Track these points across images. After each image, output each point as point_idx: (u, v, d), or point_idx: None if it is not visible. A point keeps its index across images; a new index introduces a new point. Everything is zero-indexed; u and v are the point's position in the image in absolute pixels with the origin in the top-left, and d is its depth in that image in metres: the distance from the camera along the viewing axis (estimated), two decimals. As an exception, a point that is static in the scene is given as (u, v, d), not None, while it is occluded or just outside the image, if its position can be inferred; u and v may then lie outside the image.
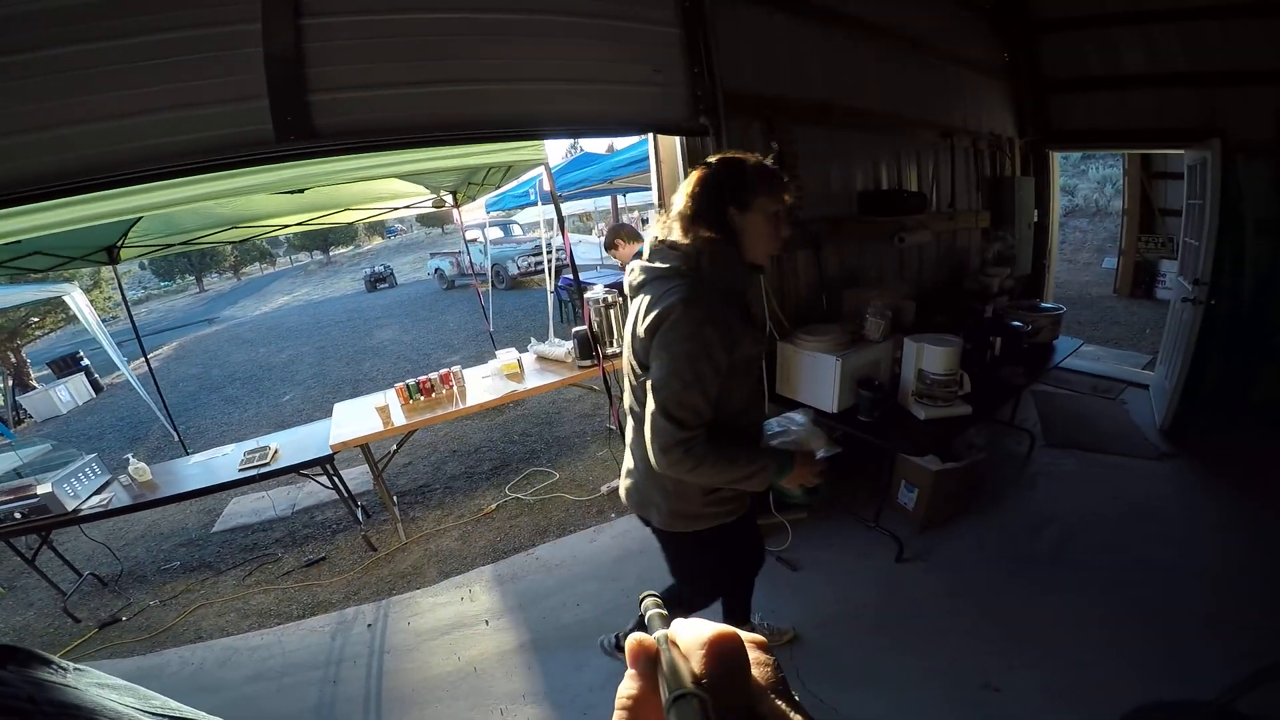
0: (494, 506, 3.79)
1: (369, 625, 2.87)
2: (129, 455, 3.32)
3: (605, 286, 4.14)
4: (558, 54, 1.96)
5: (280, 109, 1.57)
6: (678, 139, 2.34)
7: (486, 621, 2.77)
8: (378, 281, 18.29)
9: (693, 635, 0.36)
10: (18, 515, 2.95)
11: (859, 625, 2.44)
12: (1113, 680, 2.00)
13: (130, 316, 5.38)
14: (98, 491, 3.24)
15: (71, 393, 9.76)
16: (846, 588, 2.65)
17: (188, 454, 4.78)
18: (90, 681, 0.42)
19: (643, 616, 0.44)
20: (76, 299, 6.27)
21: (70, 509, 3.03)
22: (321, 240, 30.68)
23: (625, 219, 18.37)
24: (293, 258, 35.23)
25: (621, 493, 1.74)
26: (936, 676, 2.15)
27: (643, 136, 2.59)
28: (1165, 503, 3.00)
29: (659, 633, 0.39)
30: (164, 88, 1.51)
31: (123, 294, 5.63)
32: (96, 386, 10.42)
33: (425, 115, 1.77)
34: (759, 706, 0.34)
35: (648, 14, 2.13)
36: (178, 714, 0.46)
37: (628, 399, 1.59)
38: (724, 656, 0.35)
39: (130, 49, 1.48)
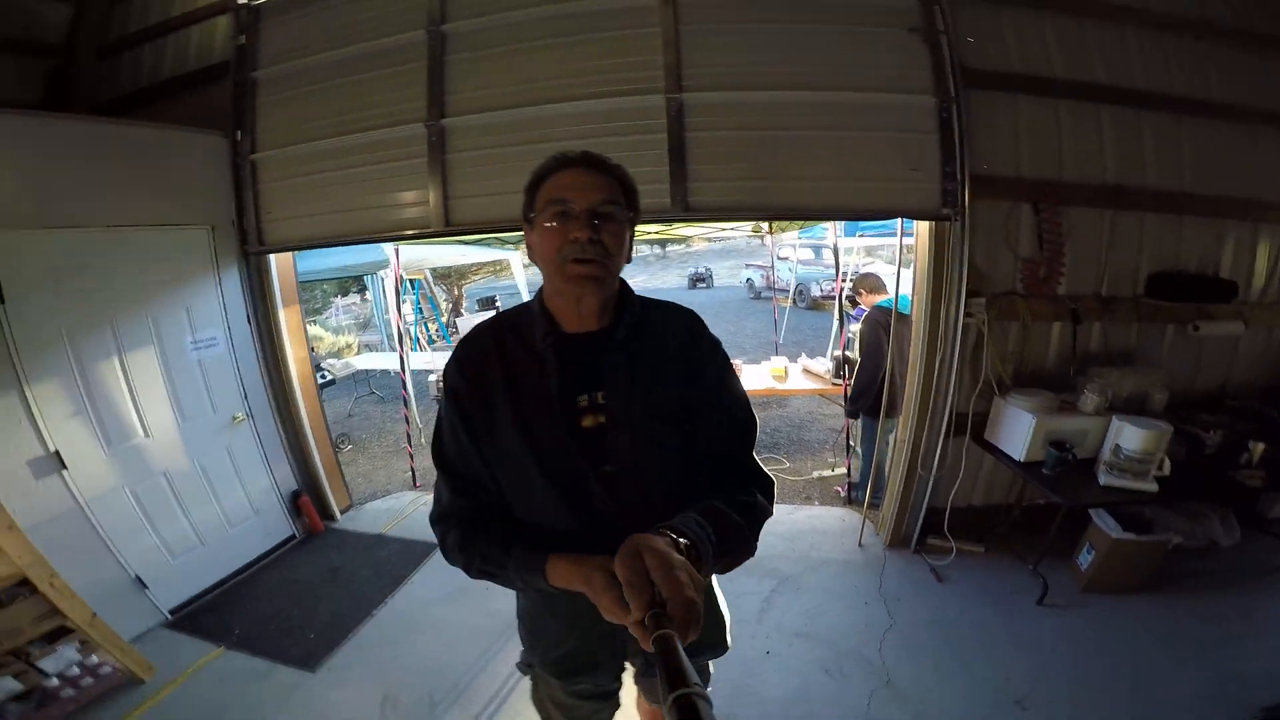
0: (724, 468, 4.94)
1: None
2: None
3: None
4: (841, 160, 2.89)
5: (675, 191, 2.92)
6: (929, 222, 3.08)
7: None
8: (698, 281, 20.84)
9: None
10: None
11: (960, 634, 2.77)
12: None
13: (541, 279, 8.03)
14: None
15: (487, 322, 14.33)
16: (973, 604, 2.98)
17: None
18: None
19: (643, 618, 0.52)
20: (515, 261, 9.47)
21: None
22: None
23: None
24: (638, 249, 41.95)
25: None
26: (982, 695, 2.45)
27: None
28: None
29: (661, 631, 0.45)
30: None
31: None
32: (500, 322, 15.01)
33: (750, 201, 2.94)
34: None
35: (910, 124, 2.87)
36: None
37: None
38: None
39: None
